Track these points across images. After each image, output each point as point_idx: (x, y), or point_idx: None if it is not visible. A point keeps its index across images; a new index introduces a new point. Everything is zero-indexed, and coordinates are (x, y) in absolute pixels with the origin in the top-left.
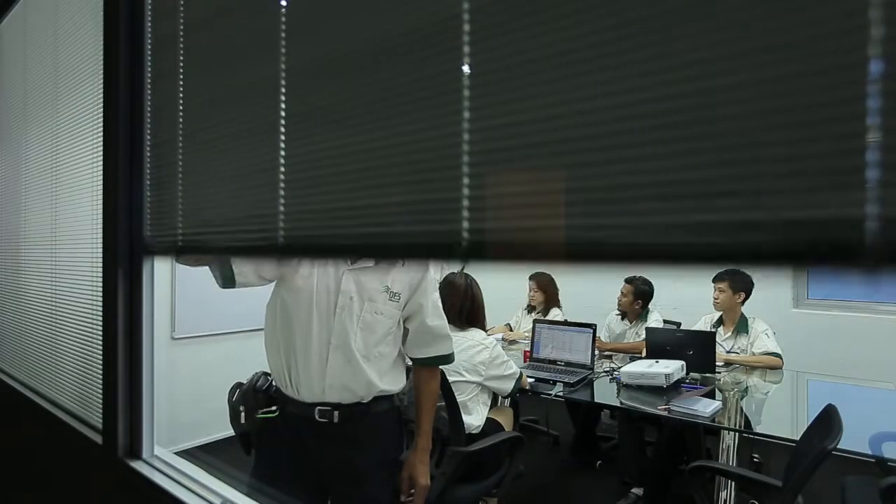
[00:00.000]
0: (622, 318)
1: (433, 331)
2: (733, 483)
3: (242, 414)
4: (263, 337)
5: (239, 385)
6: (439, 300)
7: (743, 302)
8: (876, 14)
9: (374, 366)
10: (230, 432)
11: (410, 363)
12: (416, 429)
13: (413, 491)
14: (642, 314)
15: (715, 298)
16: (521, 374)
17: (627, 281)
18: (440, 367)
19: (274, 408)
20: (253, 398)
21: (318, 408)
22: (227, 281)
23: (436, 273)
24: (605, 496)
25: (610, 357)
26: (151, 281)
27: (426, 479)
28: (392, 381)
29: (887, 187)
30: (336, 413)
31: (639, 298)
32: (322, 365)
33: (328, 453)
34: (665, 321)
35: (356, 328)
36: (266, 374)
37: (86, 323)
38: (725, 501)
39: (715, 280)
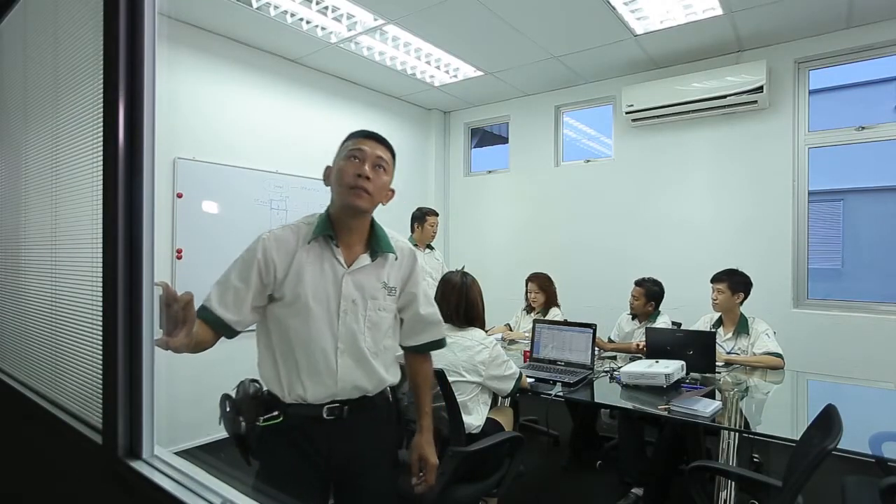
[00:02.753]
0: (632, 319)
1: (426, 318)
2: (733, 483)
3: (242, 424)
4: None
5: (228, 396)
6: (428, 288)
7: (741, 302)
8: None
9: (381, 361)
10: None
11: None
12: (418, 411)
13: (422, 473)
14: (652, 315)
15: (714, 299)
16: (520, 375)
17: (637, 283)
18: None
19: (276, 413)
20: (253, 406)
21: (328, 406)
22: (231, 333)
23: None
24: (605, 496)
25: (615, 357)
26: (152, 280)
27: (435, 457)
28: (394, 373)
29: None
30: (345, 408)
31: (651, 300)
32: (331, 371)
33: (337, 448)
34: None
35: (364, 328)
36: (254, 380)
37: (86, 323)
38: (725, 501)
39: (713, 281)
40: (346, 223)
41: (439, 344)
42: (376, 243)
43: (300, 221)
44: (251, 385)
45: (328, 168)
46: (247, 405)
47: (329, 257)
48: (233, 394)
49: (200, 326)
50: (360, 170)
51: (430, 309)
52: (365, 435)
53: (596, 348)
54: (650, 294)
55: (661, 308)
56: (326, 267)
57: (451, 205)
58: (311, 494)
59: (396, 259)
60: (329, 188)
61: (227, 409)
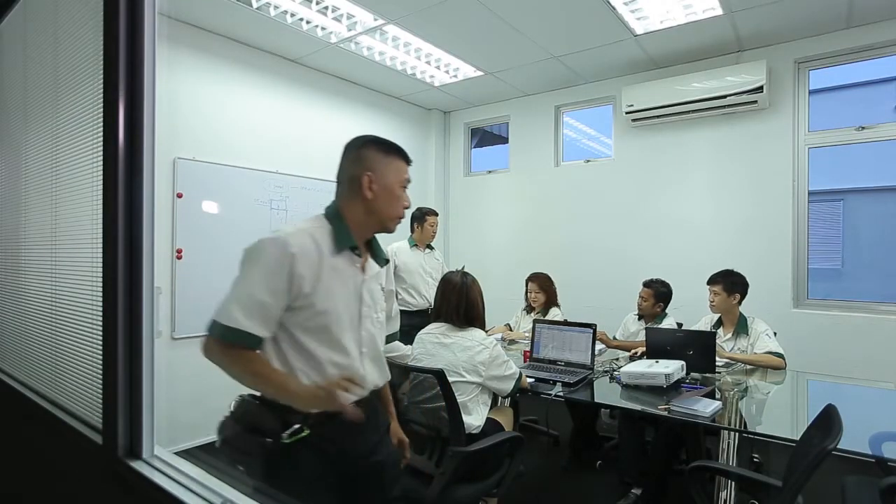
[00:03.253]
0: (639, 319)
1: (392, 312)
2: (733, 483)
3: (268, 443)
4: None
5: (238, 419)
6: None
7: (739, 303)
8: None
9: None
10: None
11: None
12: (385, 400)
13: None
14: (659, 316)
15: (710, 301)
16: (520, 375)
17: (646, 285)
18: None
19: (298, 426)
20: (275, 423)
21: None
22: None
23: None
24: (605, 496)
25: (617, 358)
26: (152, 280)
27: (404, 435)
28: None
29: None
30: (360, 405)
31: (659, 301)
32: (361, 376)
33: (356, 443)
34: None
35: (377, 330)
36: (253, 395)
37: (86, 323)
38: (725, 501)
39: (709, 283)
40: (366, 235)
41: (396, 337)
42: (377, 250)
43: (312, 226)
44: (253, 400)
45: (369, 175)
46: (269, 423)
47: (351, 267)
48: (236, 416)
49: (229, 351)
50: (408, 202)
51: (396, 303)
52: (372, 424)
53: (600, 344)
54: (659, 295)
55: (669, 311)
56: (349, 277)
57: (451, 205)
58: (347, 497)
59: (387, 263)
60: (364, 198)
61: (243, 433)
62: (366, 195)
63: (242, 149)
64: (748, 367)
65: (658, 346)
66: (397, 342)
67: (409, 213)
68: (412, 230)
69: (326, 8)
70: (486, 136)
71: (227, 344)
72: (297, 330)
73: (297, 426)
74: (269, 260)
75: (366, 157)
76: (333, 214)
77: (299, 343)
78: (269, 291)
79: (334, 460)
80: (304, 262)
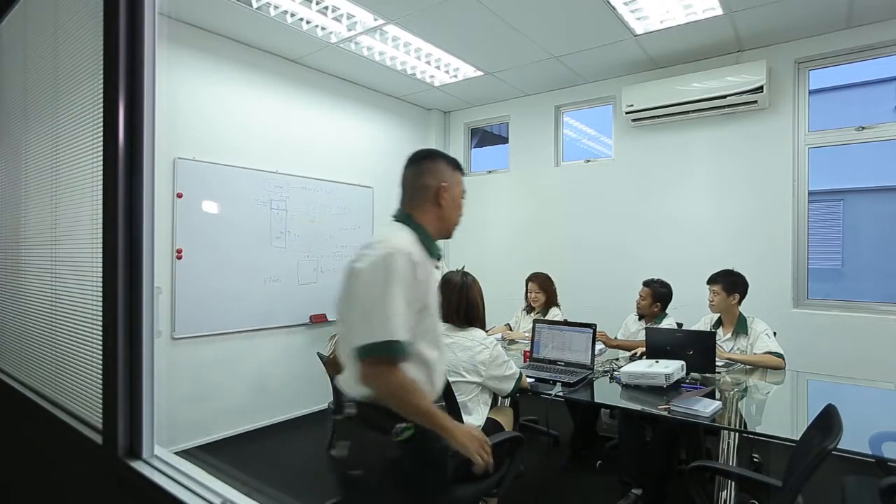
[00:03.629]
0: (639, 319)
1: None
2: (733, 483)
3: (385, 439)
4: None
5: (352, 425)
6: None
7: (739, 303)
8: None
9: None
10: (230, 432)
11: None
12: None
13: None
14: (659, 316)
15: (710, 301)
16: (520, 375)
17: (645, 284)
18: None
19: (405, 425)
20: (389, 420)
21: None
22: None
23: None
24: (605, 496)
25: (617, 358)
26: (152, 280)
27: None
28: None
29: None
30: None
31: (657, 301)
32: (441, 371)
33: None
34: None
35: (440, 326)
36: (363, 399)
37: (86, 323)
38: (725, 501)
39: (709, 282)
40: (435, 240)
41: None
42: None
43: (408, 235)
44: (366, 402)
45: (443, 186)
46: (384, 422)
47: (434, 270)
48: (356, 419)
49: (395, 370)
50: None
51: None
52: None
53: (600, 343)
54: (657, 295)
55: (669, 311)
56: (434, 280)
57: None
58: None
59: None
60: (438, 206)
61: (366, 431)
62: (441, 203)
63: (242, 149)
64: (748, 367)
65: (658, 346)
66: None
67: None
68: None
69: (326, 8)
70: (486, 136)
71: (398, 362)
72: (417, 331)
73: (403, 424)
74: (405, 272)
75: (439, 170)
76: (413, 223)
77: (415, 348)
78: (407, 302)
79: (430, 451)
80: (422, 270)
